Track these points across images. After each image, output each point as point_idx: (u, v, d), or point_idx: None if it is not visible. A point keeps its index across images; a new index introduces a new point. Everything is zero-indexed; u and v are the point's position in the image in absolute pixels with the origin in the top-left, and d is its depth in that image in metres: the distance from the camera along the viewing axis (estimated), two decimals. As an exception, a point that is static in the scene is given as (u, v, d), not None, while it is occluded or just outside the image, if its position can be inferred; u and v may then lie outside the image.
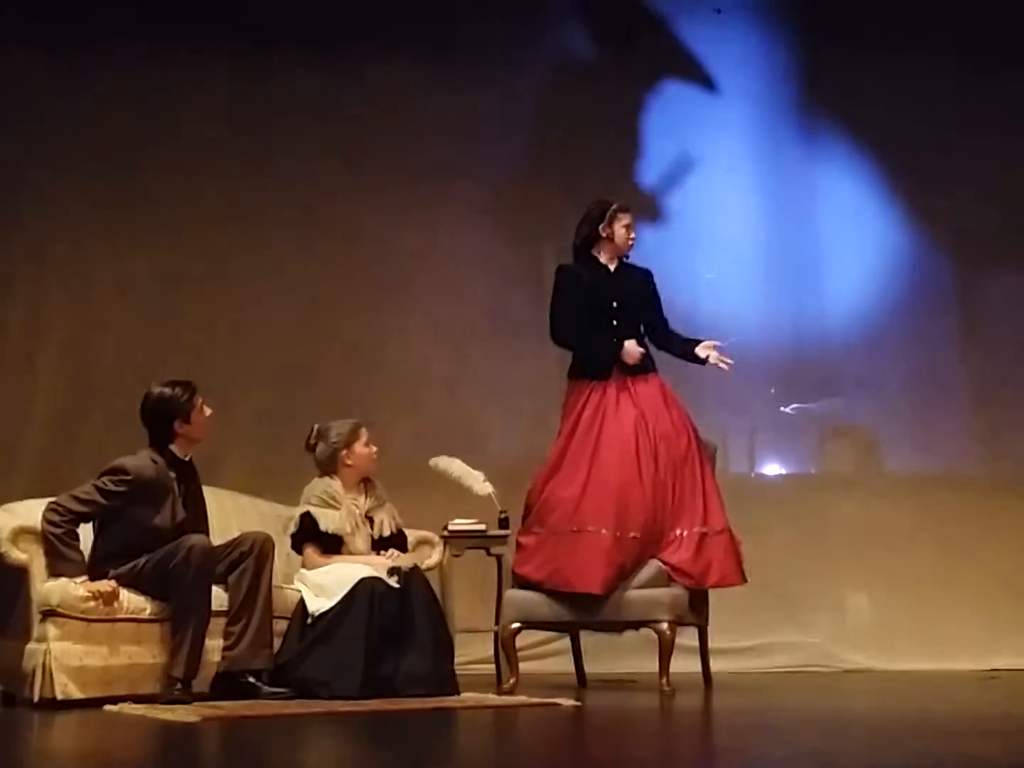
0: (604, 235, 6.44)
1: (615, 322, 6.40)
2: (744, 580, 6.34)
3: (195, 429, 5.83)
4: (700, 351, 6.42)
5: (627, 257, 6.49)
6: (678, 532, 6.24)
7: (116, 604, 5.60)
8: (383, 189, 7.74)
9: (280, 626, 5.87)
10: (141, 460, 5.76)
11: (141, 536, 5.70)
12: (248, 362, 7.55)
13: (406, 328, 7.72)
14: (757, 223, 8.00)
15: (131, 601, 5.68)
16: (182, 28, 7.55)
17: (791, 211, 8.02)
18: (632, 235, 6.46)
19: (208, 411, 5.87)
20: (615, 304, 6.40)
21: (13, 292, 7.49)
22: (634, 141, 7.94)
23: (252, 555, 5.72)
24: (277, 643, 5.85)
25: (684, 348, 6.48)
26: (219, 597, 5.73)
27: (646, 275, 6.52)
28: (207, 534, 5.85)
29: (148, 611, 5.69)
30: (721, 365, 6.42)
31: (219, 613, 5.72)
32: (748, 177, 8.00)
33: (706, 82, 7.93)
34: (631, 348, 6.33)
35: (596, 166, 7.76)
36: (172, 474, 5.80)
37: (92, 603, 5.57)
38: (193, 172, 7.60)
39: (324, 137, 7.72)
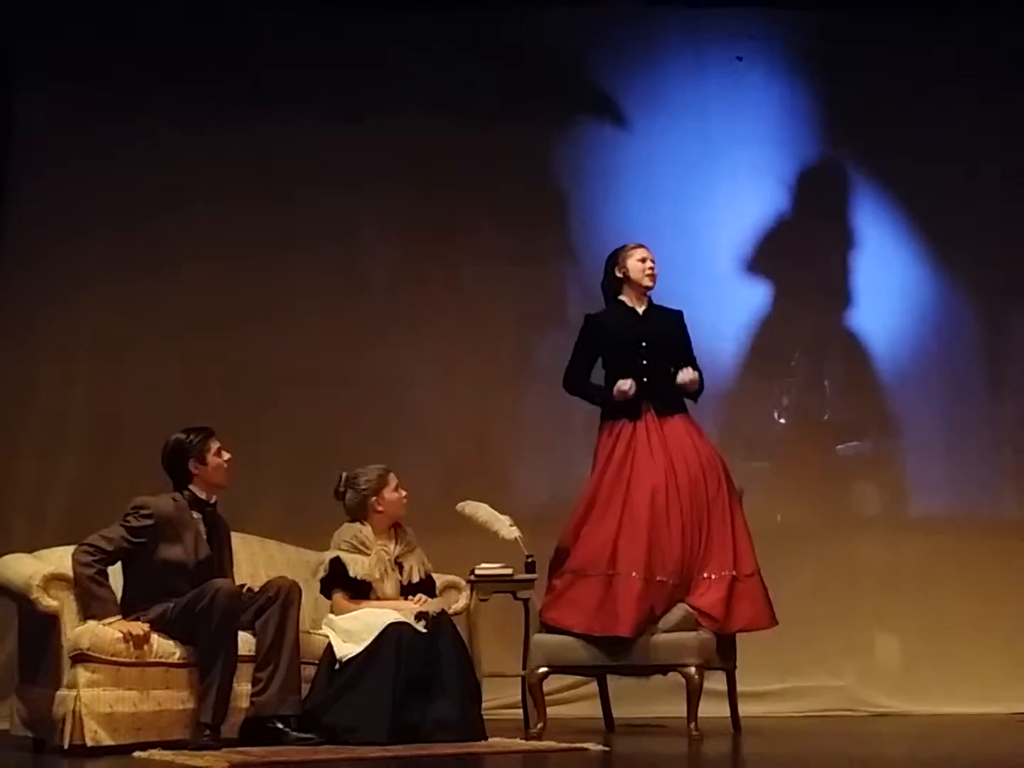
0: (621, 276, 6.46)
1: (644, 362, 6.39)
2: (775, 622, 6.32)
3: (211, 471, 5.89)
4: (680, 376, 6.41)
5: (648, 289, 6.47)
6: (707, 575, 6.23)
7: (147, 648, 5.62)
8: (408, 234, 7.79)
9: (308, 672, 5.88)
10: (161, 498, 5.87)
11: (167, 573, 5.75)
12: (275, 410, 7.58)
13: (432, 373, 7.74)
14: (780, 268, 8.03)
15: (160, 645, 5.69)
16: (202, 88, 7.64)
17: (816, 255, 8.03)
18: (648, 266, 6.43)
19: (226, 455, 5.93)
20: (644, 344, 6.40)
21: (42, 341, 7.56)
22: (655, 187, 7.97)
23: (278, 601, 5.74)
24: (305, 689, 5.85)
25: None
26: (247, 642, 5.74)
27: (677, 316, 6.52)
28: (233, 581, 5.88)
29: (177, 655, 5.71)
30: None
31: (247, 659, 5.73)
32: (768, 222, 8.03)
33: (722, 129, 7.97)
34: (619, 385, 6.33)
35: (619, 212, 7.80)
36: (196, 514, 5.87)
37: (123, 645, 5.58)
38: (217, 223, 7.67)
39: (348, 183, 7.77)
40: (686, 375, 6.35)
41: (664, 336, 6.44)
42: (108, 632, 5.61)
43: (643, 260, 6.43)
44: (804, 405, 8.00)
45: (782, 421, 7.99)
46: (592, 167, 7.96)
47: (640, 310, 6.46)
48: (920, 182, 7.90)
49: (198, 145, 7.65)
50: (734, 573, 6.22)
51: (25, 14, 7.55)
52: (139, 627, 5.62)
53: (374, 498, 6.19)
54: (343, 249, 7.79)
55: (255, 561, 6.34)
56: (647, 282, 6.44)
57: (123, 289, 7.61)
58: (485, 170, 7.83)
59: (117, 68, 7.61)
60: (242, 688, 5.72)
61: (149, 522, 5.75)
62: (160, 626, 5.70)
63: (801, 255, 7.98)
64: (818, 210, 8.01)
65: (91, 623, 5.63)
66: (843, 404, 7.98)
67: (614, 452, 6.34)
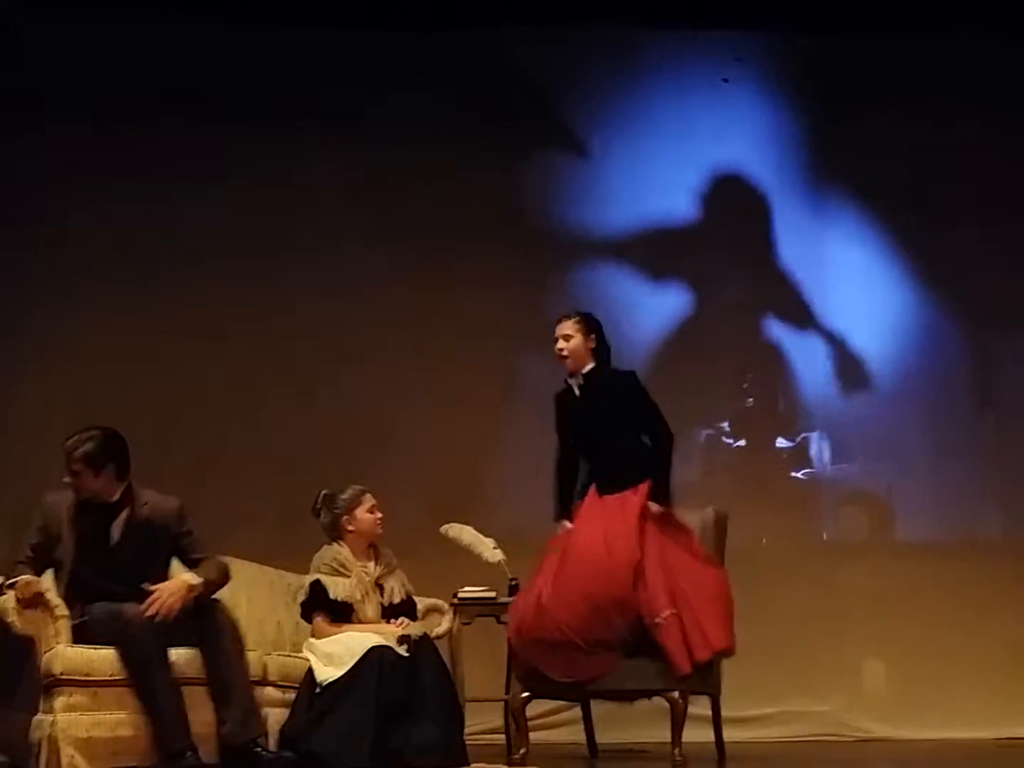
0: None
1: (582, 446, 6.13)
2: (728, 645, 5.97)
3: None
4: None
5: (570, 370, 6.12)
6: (657, 621, 5.90)
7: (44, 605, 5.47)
8: (397, 258, 7.79)
9: (289, 696, 5.82)
10: (62, 495, 5.66)
11: (72, 576, 5.58)
12: (261, 431, 7.58)
13: (418, 395, 7.74)
14: (767, 291, 8.03)
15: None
16: (193, 117, 7.68)
17: (800, 278, 8.04)
18: (557, 348, 6.09)
19: (67, 470, 5.60)
20: (579, 428, 6.14)
21: (27, 360, 7.57)
22: (640, 209, 7.98)
23: (208, 627, 5.51)
24: (285, 713, 5.78)
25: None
26: (193, 660, 5.53)
27: (622, 382, 6.12)
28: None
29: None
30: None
31: (196, 681, 5.55)
32: (755, 245, 8.03)
33: (706, 152, 7.96)
34: (564, 525, 6.11)
35: (605, 235, 7.81)
36: (87, 515, 5.61)
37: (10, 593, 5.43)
38: (213, 244, 7.71)
39: (342, 208, 7.79)
40: (655, 508, 6.00)
41: (598, 415, 6.08)
42: (80, 652, 5.52)
43: (555, 341, 6.12)
44: (787, 429, 7.99)
45: (767, 446, 7.98)
46: (576, 190, 7.98)
47: (577, 390, 6.15)
48: (906, 205, 7.92)
49: (198, 167, 7.68)
50: (674, 610, 5.94)
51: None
52: (33, 582, 5.43)
53: (345, 517, 6.16)
54: (335, 273, 7.82)
55: (235, 583, 6.26)
56: (563, 363, 6.12)
57: (115, 310, 7.61)
58: (472, 194, 7.84)
59: (118, 103, 7.66)
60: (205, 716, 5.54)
61: (39, 538, 5.60)
62: (87, 636, 5.52)
63: (787, 278, 7.99)
64: (803, 231, 8.02)
65: (59, 647, 5.54)
66: (828, 428, 7.98)
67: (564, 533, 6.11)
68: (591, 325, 6.17)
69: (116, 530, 5.65)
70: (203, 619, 5.54)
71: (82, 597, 5.55)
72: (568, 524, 6.12)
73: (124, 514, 5.65)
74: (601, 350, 6.18)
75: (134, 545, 5.65)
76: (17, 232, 7.54)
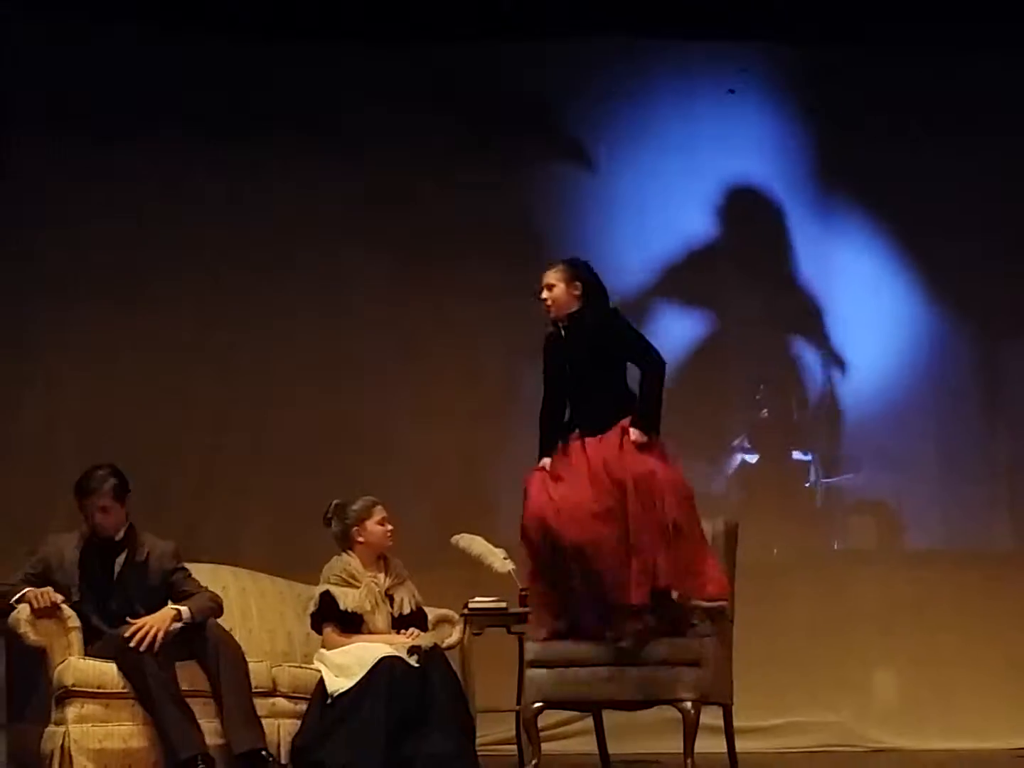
0: None
1: (571, 386, 6.03)
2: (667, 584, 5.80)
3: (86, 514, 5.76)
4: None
5: (556, 318, 6.02)
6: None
7: (59, 614, 5.54)
8: (399, 269, 7.80)
9: (300, 707, 5.82)
10: (62, 537, 5.78)
11: (80, 613, 5.64)
12: (267, 443, 7.58)
13: (423, 407, 7.75)
14: (774, 302, 8.03)
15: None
16: (193, 126, 7.70)
17: (807, 288, 8.05)
18: (542, 295, 5.97)
19: (101, 503, 5.70)
20: (567, 368, 6.02)
21: (32, 384, 7.57)
22: (644, 221, 7.99)
23: (200, 646, 5.60)
24: (296, 725, 5.78)
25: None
26: (199, 676, 5.61)
27: (605, 319, 5.95)
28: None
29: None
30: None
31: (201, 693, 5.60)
32: (763, 256, 8.04)
33: (711, 164, 7.97)
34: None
35: (608, 246, 7.82)
36: (92, 551, 5.72)
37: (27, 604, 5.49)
38: (210, 256, 7.70)
39: (336, 220, 7.80)
40: (635, 435, 5.88)
41: (581, 355, 5.97)
42: (92, 664, 5.54)
43: (540, 291, 6.00)
44: (798, 440, 8.00)
45: (779, 456, 7.98)
46: (581, 202, 7.99)
47: (563, 330, 6.03)
48: (913, 215, 7.93)
49: (199, 176, 7.70)
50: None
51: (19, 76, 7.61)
52: (51, 595, 5.51)
53: (356, 528, 6.16)
54: (333, 284, 7.82)
55: (246, 595, 6.28)
56: (550, 313, 6.01)
57: (117, 315, 7.61)
58: (473, 206, 7.86)
59: (111, 117, 7.66)
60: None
61: (39, 568, 5.69)
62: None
63: (794, 288, 7.99)
64: (810, 242, 8.02)
65: (71, 659, 5.56)
66: (838, 438, 7.98)
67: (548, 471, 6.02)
68: (575, 272, 6.00)
69: (118, 566, 5.75)
70: (194, 637, 5.60)
71: (83, 631, 5.61)
72: (548, 462, 6.00)
73: (126, 552, 5.76)
74: (589, 294, 6.00)
75: (132, 582, 5.75)
76: (15, 239, 7.55)
